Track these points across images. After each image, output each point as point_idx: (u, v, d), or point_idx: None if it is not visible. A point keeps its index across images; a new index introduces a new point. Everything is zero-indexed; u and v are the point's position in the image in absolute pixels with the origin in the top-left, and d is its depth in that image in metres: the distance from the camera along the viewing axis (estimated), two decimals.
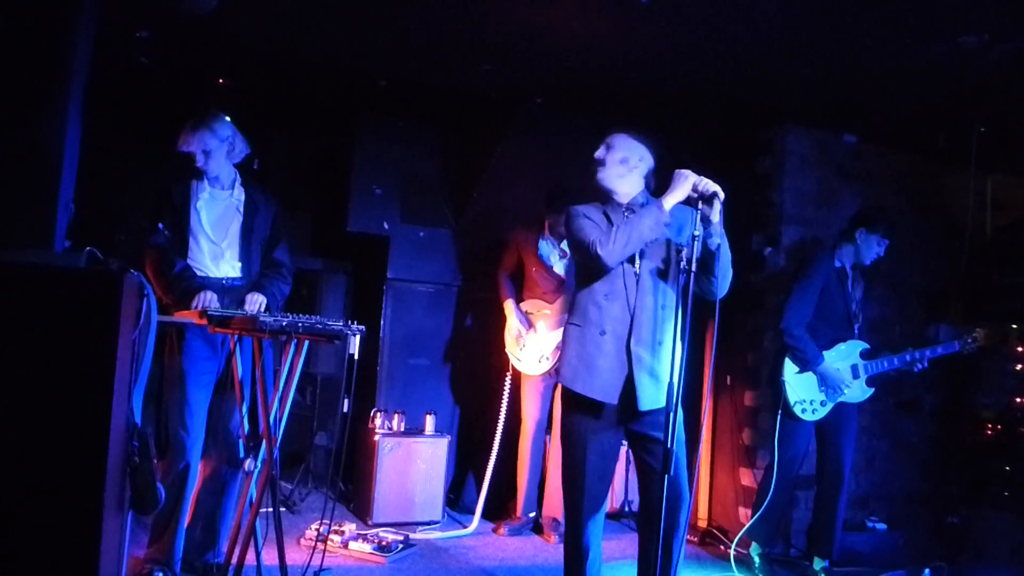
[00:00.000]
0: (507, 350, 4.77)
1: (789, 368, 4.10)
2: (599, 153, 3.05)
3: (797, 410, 4.08)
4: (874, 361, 4.14)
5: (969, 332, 4.24)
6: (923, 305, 5.18)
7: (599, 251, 2.78)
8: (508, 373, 4.79)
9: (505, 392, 4.77)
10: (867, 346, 4.19)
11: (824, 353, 4.09)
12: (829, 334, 4.15)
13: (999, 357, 4.71)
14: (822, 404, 4.11)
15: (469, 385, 5.24)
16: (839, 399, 4.11)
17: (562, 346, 2.99)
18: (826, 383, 4.09)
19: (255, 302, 3.39)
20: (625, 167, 2.99)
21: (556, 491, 4.60)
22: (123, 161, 5.05)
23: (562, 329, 4.47)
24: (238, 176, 3.55)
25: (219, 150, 3.44)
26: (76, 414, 1.65)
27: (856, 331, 4.21)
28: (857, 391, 4.15)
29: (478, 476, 4.99)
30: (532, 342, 4.65)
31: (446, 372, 5.35)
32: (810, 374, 4.09)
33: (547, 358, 4.59)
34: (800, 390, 4.10)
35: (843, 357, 4.14)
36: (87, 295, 1.67)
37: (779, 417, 4.11)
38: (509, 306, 4.76)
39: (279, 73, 4.58)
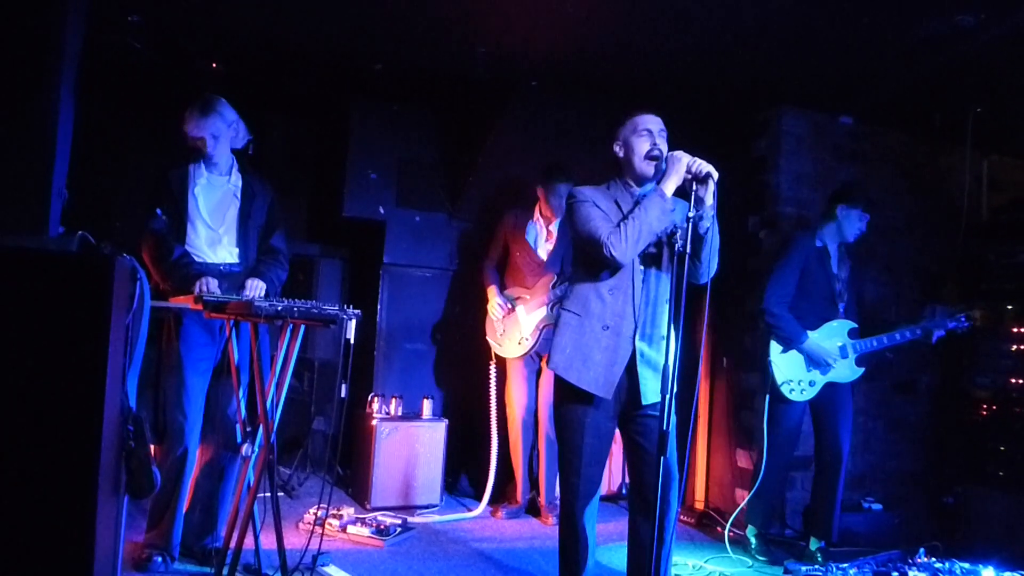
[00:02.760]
0: (487, 337, 4.78)
1: (774, 349, 4.11)
2: (650, 135, 2.87)
3: (785, 390, 4.09)
4: (863, 340, 4.15)
5: (961, 310, 4.24)
6: (919, 285, 5.19)
7: (613, 253, 2.71)
8: (492, 361, 4.81)
9: (491, 380, 4.79)
10: (855, 325, 4.20)
11: (811, 332, 4.09)
12: (815, 313, 4.15)
13: (995, 337, 4.71)
14: (811, 384, 4.12)
15: (466, 369, 5.25)
16: (828, 377, 4.12)
17: (556, 332, 2.94)
18: (812, 360, 4.09)
19: (255, 287, 3.39)
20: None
21: (545, 474, 4.63)
22: (117, 147, 5.04)
23: (540, 311, 4.53)
24: (235, 162, 3.54)
25: (226, 135, 3.45)
26: (69, 398, 1.65)
27: (841, 310, 4.20)
28: (846, 370, 4.15)
29: (476, 460, 5.01)
30: (510, 325, 4.67)
31: (443, 356, 5.36)
32: (796, 353, 4.11)
33: (526, 339, 4.61)
34: (787, 370, 4.10)
35: (830, 336, 4.14)
36: (79, 279, 1.66)
37: (768, 399, 4.12)
38: (492, 291, 4.78)
39: (273, 58, 4.56)
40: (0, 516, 1.62)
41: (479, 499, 4.79)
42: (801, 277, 4.13)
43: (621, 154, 2.92)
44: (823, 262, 4.18)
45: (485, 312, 4.86)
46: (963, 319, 4.19)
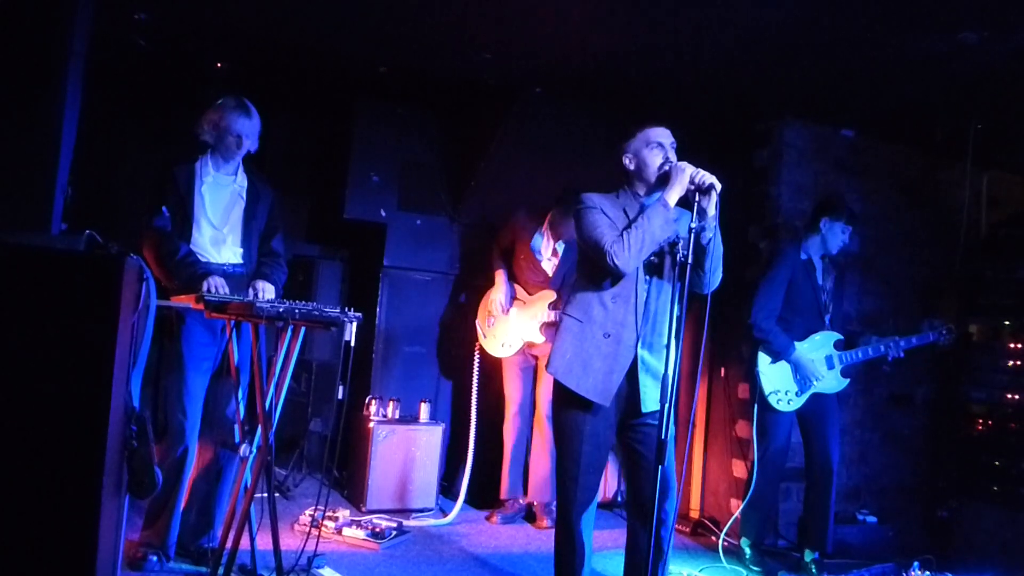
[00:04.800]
0: (476, 321, 4.79)
1: (763, 360, 4.15)
2: (663, 149, 2.88)
3: (772, 400, 4.12)
4: (848, 352, 4.19)
5: (944, 323, 4.28)
6: (918, 300, 5.20)
7: (616, 262, 2.72)
8: (477, 348, 4.82)
9: (474, 373, 4.80)
10: (840, 337, 4.24)
11: (798, 344, 4.13)
12: (802, 325, 4.19)
13: (991, 352, 4.73)
14: (797, 394, 4.14)
15: (464, 374, 5.25)
16: (813, 389, 4.14)
17: (556, 337, 2.95)
18: (799, 372, 4.12)
19: (266, 289, 3.39)
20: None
21: (541, 476, 4.62)
22: (122, 145, 5.04)
23: (531, 324, 4.54)
24: (240, 162, 3.55)
25: (253, 137, 3.47)
26: (75, 397, 1.65)
27: (827, 321, 4.25)
28: (832, 382, 4.18)
29: (473, 464, 5.01)
30: (500, 323, 4.68)
31: (442, 360, 5.36)
32: (784, 364, 4.14)
33: (509, 345, 4.62)
34: (774, 380, 4.13)
35: (817, 348, 4.18)
36: (87, 278, 1.66)
37: (756, 410, 4.14)
38: (500, 277, 4.77)
39: (278, 58, 4.57)
40: (5, 514, 1.62)
41: (475, 503, 4.79)
42: (788, 289, 4.17)
43: (632, 166, 2.93)
44: (809, 274, 4.22)
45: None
46: (944, 332, 4.24)
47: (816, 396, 4.17)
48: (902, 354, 4.18)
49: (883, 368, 4.33)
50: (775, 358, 4.13)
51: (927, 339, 4.23)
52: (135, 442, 1.90)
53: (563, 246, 4.62)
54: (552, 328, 4.44)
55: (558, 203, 4.52)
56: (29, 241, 1.82)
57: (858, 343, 4.22)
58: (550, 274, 4.64)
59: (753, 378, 4.17)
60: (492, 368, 4.88)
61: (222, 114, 3.41)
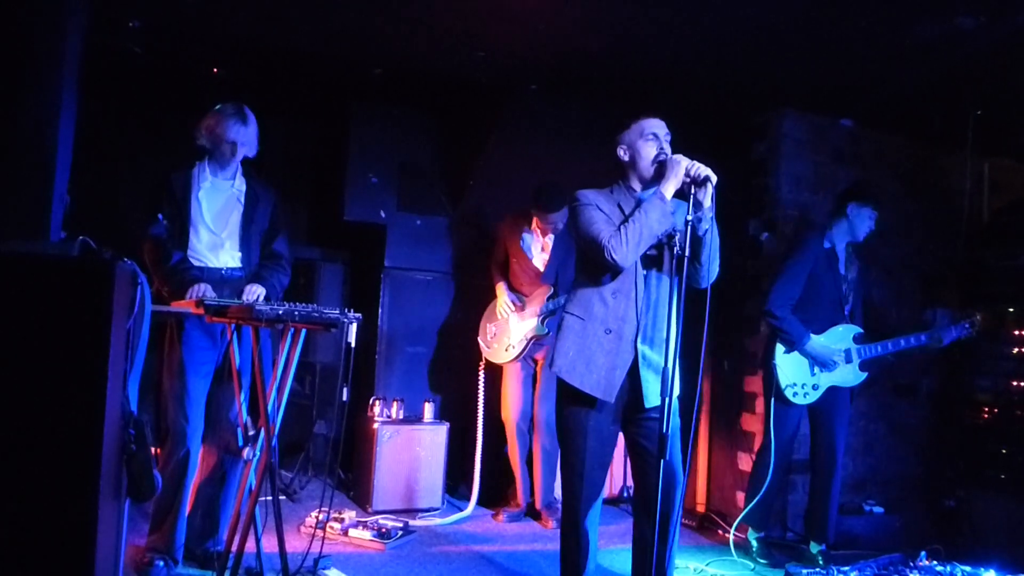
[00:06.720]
0: (478, 338, 4.80)
1: (779, 350, 4.11)
2: (657, 140, 2.87)
3: (788, 394, 4.09)
4: (867, 345, 4.15)
5: (966, 317, 4.25)
6: (920, 288, 5.18)
7: (615, 256, 2.71)
8: (482, 364, 4.82)
9: (480, 383, 4.80)
10: (860, 330, 4.19)
11: (816, 336, 4.09)
12: (822, 317, 4.14)
13: (996, 340, 4.71)
14: (814, 388, 4.12)
15: (467, 372, 5.24)
16: (832, 381, 4.12)
17: (558, 335, 2.95)
18: (816, 361, 4.09)
19: (253, 292, 3.39)
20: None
21: (542, 479, 4.63)
22: (119, 152, 5.06)
23: (531, 321, 4.53)
24: (239, 166, 3.56)
25: (249, 144, 3.47)
26: (70, 402, 1.66)
27: (846, 313, 4.21)
28: (850, 375, 4.15)
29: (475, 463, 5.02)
30: (502, 330, 4.69)
31: (444, 360, 5.37)
32: (801, 358, 4.10)
33: (513, 347, 4.63)
34: (791, 373, 4.10)
35: (836, 341, 4.14)
36: (79, 284, 1.67)
37: (772, 401, 4.12)
38: (501, 288, 4.78)
39: (273, 62, 4.58)
40: (1, 518, 1.62)
41: (481, 502, 4.79)
42: (808, 280, 4.12)
43: (626, 158, 2.92)
44: (831, 264, 4.17)
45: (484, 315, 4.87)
46: (967, 327, 4.20)
47: (831, 389, 4.15)
48: (924, 341, 4.14)
49: (888, 358, 4.31)
50: (789, 348, 4.09)
51: (950, 335, 4.18)
52: (134, 446, 1.91)
53: (552, 238, 4.63)
54: (553, 318, 4.45)
55: (535, 201, 4.52)
56: (23, 248, 1.82)
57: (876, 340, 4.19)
58: (541, 269, 4.65)
59: (769, 369, 4.14)
60: (494, 375, 4.87)
61: (218, 121, 3.42)
